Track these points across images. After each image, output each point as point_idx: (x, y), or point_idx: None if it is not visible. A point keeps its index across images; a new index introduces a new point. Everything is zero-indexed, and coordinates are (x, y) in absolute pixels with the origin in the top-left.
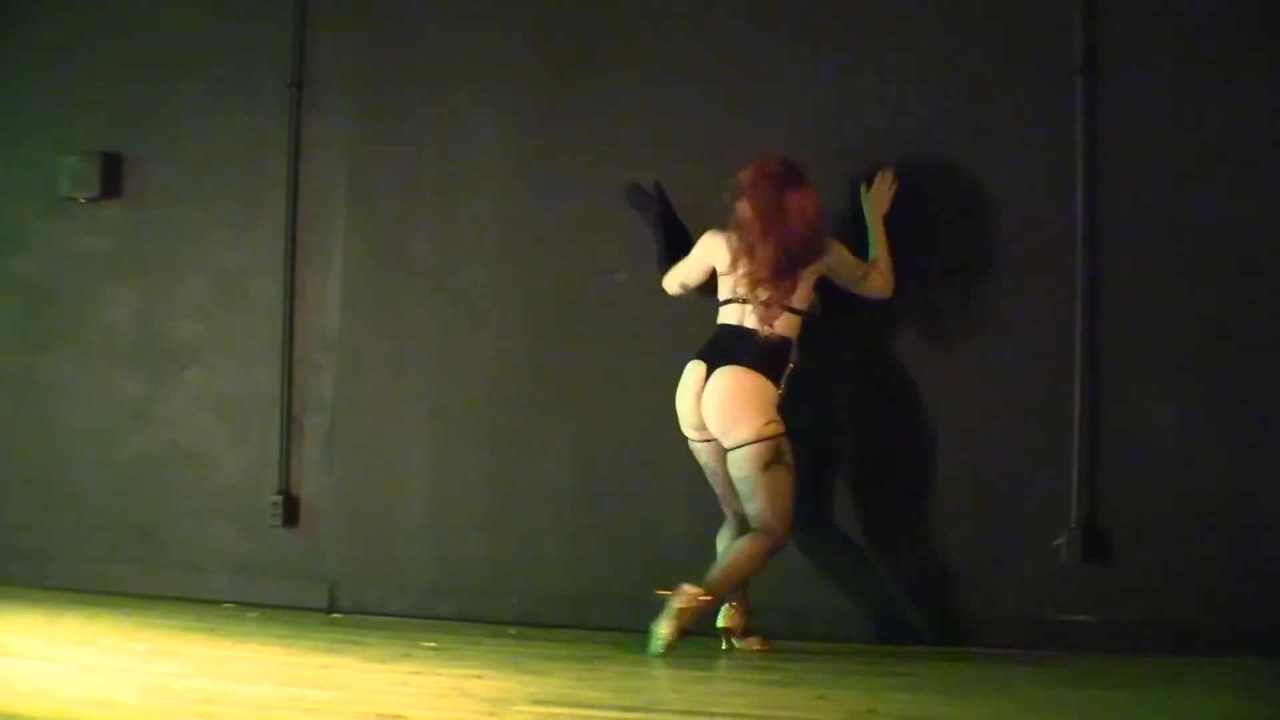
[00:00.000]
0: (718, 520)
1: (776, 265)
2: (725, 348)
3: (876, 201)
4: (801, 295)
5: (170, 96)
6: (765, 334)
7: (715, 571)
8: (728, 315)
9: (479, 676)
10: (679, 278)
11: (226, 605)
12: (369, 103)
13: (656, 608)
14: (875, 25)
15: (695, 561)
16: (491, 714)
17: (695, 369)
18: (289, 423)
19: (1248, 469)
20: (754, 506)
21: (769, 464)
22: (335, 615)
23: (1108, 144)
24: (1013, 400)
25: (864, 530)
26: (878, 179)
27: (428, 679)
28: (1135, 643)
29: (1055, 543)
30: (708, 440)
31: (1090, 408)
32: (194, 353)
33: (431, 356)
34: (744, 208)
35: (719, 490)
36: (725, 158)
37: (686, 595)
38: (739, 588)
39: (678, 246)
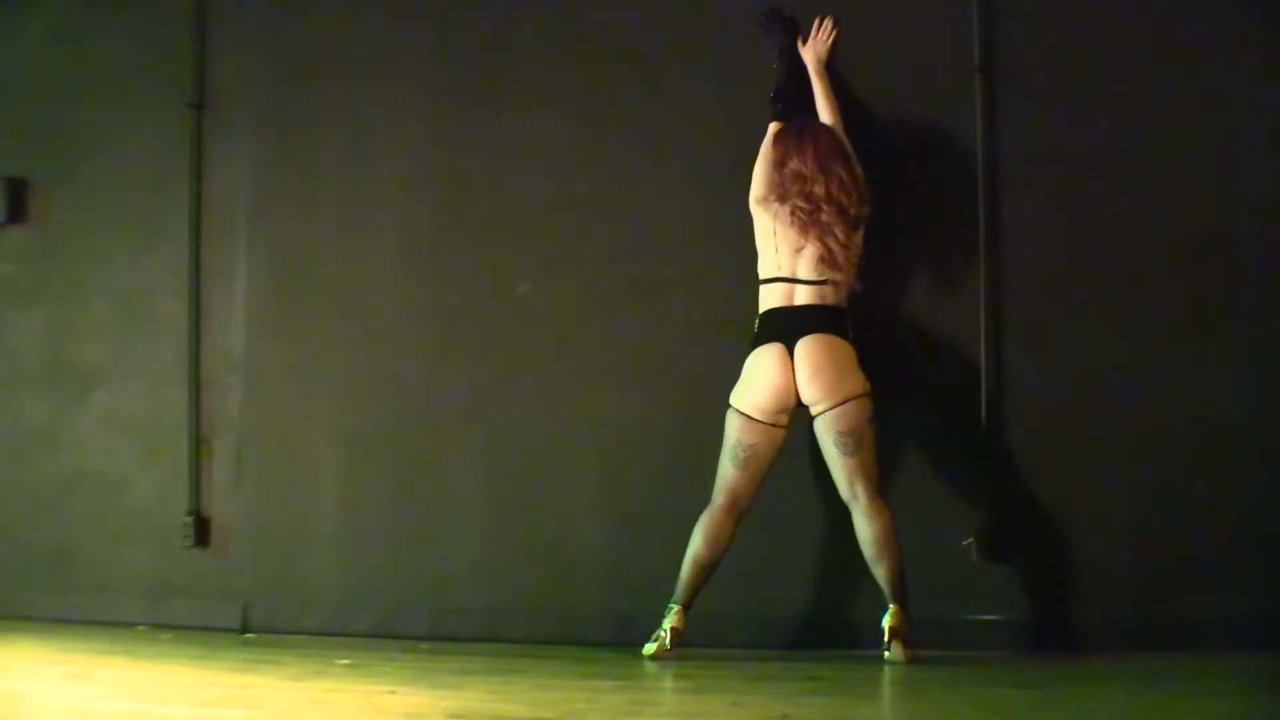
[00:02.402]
0: (631, 530)
1: (842, 208)
2: (796, 323)
3: (817, 51)
4: (851, 258)
5: (72, 120)
6: (825, 303)
7: (887, 581)
8: (776, 295)
9: (393, 692)
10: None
11: (141, 627)
12: (270, 122)
13: (567, 618)
14: None
15: (605, 572)
16: None
17: (774, 350)
18: (197, 443)
19: (1154, 466)
20: (853, 462)
21: (872, 419)
22: (249, 635)
23: (1007, 142)
24: (919, 401)
25: (774, 536)
26: (815, 28)
27: (343, 695)
28: (1046, 641)
29: (964, 543)
30: (781, 426)
31: (996, 408)
32: (101, 376)
33: (338, 374)
34: (799, 166)
35: (750, 479)
36: (628, 171)
37: (894, 615)
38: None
39: (794, 81)
